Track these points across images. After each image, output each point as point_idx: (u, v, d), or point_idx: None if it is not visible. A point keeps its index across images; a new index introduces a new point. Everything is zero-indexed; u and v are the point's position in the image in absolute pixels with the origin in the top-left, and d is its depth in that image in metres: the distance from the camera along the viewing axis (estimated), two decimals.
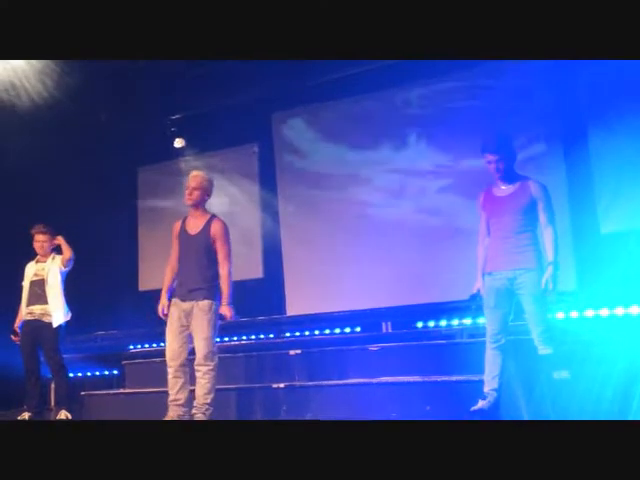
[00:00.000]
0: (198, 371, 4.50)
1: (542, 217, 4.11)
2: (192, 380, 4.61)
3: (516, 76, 6.48)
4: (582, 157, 6.36)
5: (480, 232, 4.36)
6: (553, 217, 4.12)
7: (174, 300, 4.63)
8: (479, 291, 4.26)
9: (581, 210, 6.32)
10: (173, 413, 4.51)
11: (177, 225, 4.78)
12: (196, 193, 4.64)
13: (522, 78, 6.50)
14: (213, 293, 4.55)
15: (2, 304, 7.00)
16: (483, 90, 6.85)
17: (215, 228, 4.62)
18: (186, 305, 4.55)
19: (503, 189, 4.22)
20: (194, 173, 4.76)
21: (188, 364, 4.57)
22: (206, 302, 4.51)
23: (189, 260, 4.64)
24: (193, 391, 4.56)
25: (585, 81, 6.39)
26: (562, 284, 6.03)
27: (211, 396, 4.49)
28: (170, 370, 4.56)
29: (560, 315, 5.60)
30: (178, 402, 4.52)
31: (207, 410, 4.48)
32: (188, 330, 4.56)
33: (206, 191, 4.69)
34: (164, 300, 4.66)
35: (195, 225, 4.67)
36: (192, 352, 4.63)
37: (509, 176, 4.20)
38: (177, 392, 4.53)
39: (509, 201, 4.16)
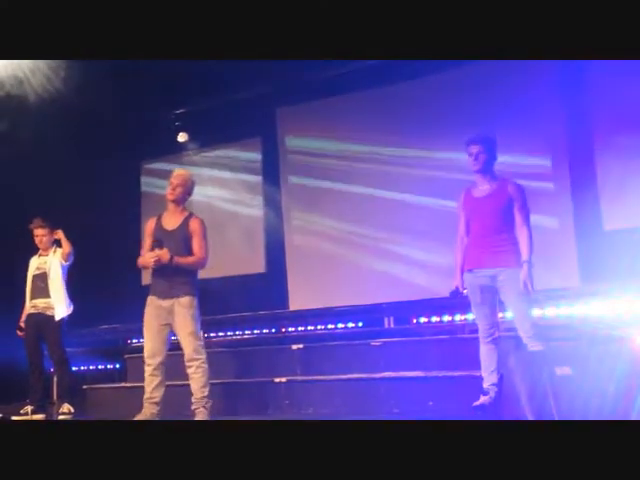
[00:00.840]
0: (190, 367, 4.49)
1: (517, 217, 4.15)
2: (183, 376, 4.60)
3: (520, 74, 6.47)
4: (586, 154, 6.36)
5: (459, 232, 4.40)
6: (528, 217, 4.16)
7: (151, 298, 4.58)
8: (457, 288, 4.30)
9: (584, 207, 6.33)
10: (147, 411, 4.47)
11: (152, 222, 4.75)
12: (179, 190, 4.63)
13: (526, 76, 6.49)
14: (193, 288, 4.54)
15: (6, 298, 7.03)
16: (485, 87, 6.84)
17: (194, 224, 4.61)
18: (166, 303, 4.50)
19: (481, 189, 4.26)
20: (178, 171, 4.79)
21: (166, 362, 4.55)
22: (187, 298, 4.48)
23: None
24: (188, 387, 4.54)
25: (590, 78, 6.38)
26: (565, 280, 6.13)
27: (207, 389, 4.48)
28: (148, 368, 4.52)
29: (563, 311, 5.60)
30: (153, 400, 4.50)
31: (207, 403, 4.47)
32: (168, 328, 4.53)
33: (188, 189, 4.69)
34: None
35: (173, 221, 4.64)
36: (177, 348, 4.62)
37: (487, 172, 4.24)
38: (152, 390, 4.50)
39: (487, 201, 4.20)
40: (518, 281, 4.01)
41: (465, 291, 4.28)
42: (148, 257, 4.50)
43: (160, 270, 4.52)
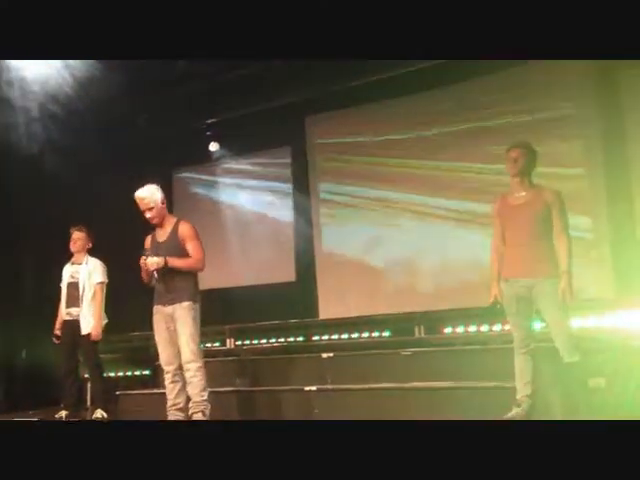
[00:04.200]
0: (188, 370, 4.49)
1: (556, 225, 4.06)
2: None
3: (552, 72, 6.40)
4: (621, 160, 6.27)
5: (494, 240, 4.34)
6: (567, 225, 4.07)
7: (157, 307, 4.64)
8: (497, 298, 4.23)
9: (619, 215, 6.22)
10: (172, 418, 4.53)
11: (149, 238, 4.80)
12: (153, 212, 4.64)
13: (558, 74, 6.42)
14: (194, 294, 4.57)
15: (39, 306, 7.16)
16: (516, 87, 6.78)
17: (182, 230, 4.63)
18: (169, 309, 4.55)
19: (518, 197, 4.20)
20: (139, 196, 4.66)
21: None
22: (187, 303, 4.52)
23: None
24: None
25: (625, 79, 6.28)
26: (600, 290, 6.03)
27: (206, 393, 4.48)
28: (167, 376, 4.58)
29: (595, 321, 5.50)
30: (177, 406, 4.54)
31: (205, 408, 4.46)
32: (176, 333, 4.56)
33: (158, 204, 4.65)
34: None
35: (163, 232, 4.69)
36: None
37: (526, 178, 4.18)
38: (175, 396, 4.55)
39: (524, 209, 4.13)
40: (556, 291, 3.93)
41: (500, 301, 4.21)
42: (143, 268, 4.55)
43: (161, 278, 4.58)
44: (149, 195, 4.65)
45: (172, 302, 4.55)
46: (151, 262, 4.48)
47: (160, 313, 4.62)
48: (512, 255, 4.17)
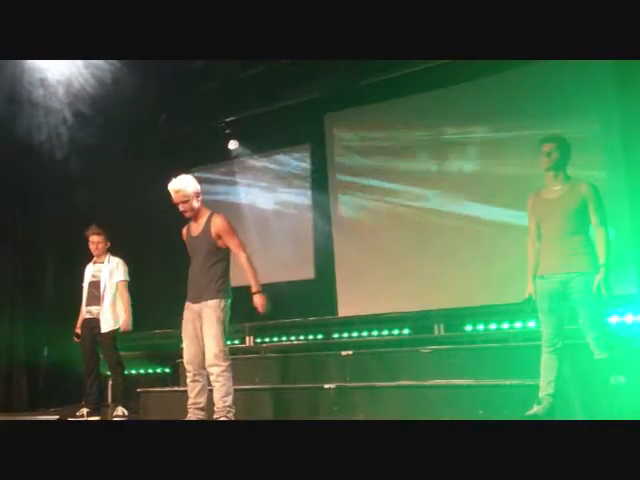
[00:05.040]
0: (211, 373, 4.37)
1: (593, 218, 4.01)
2: None
3: (574, 72, 6.33)
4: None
5: (530, 235, 4.28)
6: (605, 218, 4.01)
7: (187, 304, 4.55)
8: (531, 296, 4.18)
9: None
10: (193, 417, 4.43)
11: (184, 230, 4.72)
12: (186, 206, 4.50)
13: (580, 75, 6.36)
14: (221, 291, 4.43)
15: (60, 304, 7.23)
16: (538, 87, 6.72)
17: (216, 225, 4.48)
18: (197, 307, 4.46)
19: (553, 190, 4.14)
20: (173, 188, 4.48)
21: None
22: (214, 301, 4.39)
23: (196, 262, 4.56)
24: (211, 391, 4.43)
25: None
26: (623, 288, 5.95)
27: (229, 398, 4.34)
28: (189, 374, 4.48)
29: (617, 319, 5.45)
30: (198, 406, 4.43)
31: (229, 412, 4.34)
32: (202, 332, 4.44)
33: (192, 197, 4.50)
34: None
35: (197, 226, 4.57)
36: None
37: (559, 172, 4.12)
38: (196, 395, 4.44)
39: (559, 203, 4.07)
40: (591, 286, 3.88)
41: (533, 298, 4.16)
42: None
43: (191, 274, 4.55)
44: (183, 187, 4.47)
45: (199, 300, 4.45)
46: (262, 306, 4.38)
47: (189, 309, 4.53)
48: (548, 250, 4.12)
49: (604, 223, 4.00)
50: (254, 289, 4.41)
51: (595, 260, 3.96)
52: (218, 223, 4.49)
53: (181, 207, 4.51)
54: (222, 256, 4.52)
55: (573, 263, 3.97)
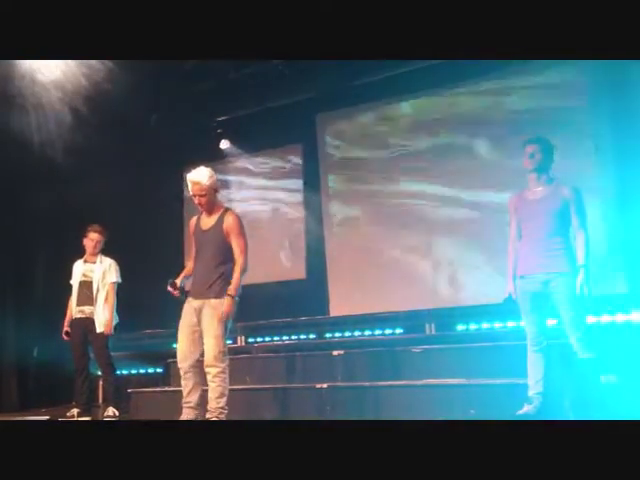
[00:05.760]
0: (208, 373, 4.27)
1: (574, 220, 4.06)
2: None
3: (567, 74, 6.37)
4: (632, 157, 6.22)
5: (510, 235, 4.32)
6: (585, 221, 4.06)
7: (188, 299, 4.43)
8: (511, 295, 4.21)
9: (631, 211, 6.18)
10: (186, 415, 4.34)
11: (193, 221, 4.60)
12: (203, 200, 4.41)
13: (574, 77, 6.40)
14: (225, 290, 4.31)
15: (52, 304, 7.20)
16: (531, 89, 6.76)
17: (228, 222, 4.39)
18: (198, 303, 4.34)
19: (535, 191, 4.18)
20: (192, 180, 4.39)
21: (199, 365, 4.35)
22: (217, 300, 4.28)
23: (203, 257, 4.45)
24: (206, 391, 4.36)
25: (636, 79, 6.24)
26: (612, 287, 5.99)
27: (223, 399, 4.27)
28: (181, 372, 4.38)
29: (608, 318, 5.48)
30: (190, 404, 4.34)
31: (221, 414, 4.26)
32: (199, 329, 4.34)
33: (209, 190, 4.41)
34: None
35: (208, 220, 4.47)
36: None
37: (542, 174, 4.16)
38: (188, 394, 4.34)
39: (541, 204, 4.11)
40: (572, 286, 3.93)
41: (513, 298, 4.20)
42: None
43: (197, 269, 4.46)
44: (203, 180, 4.37)
45: (202, 296, 4.34)
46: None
47: (188, 304, 4.41)
48: (528, 250, 4.15)
49: (584, 226, 4.05)
50: (229, 291, 4.29)
51: (574, 261, 4.01)
52: (230, 220, 4.40)
53: (197, 200, 4.43)
54: (231, 255, 4.41)
55: (553, 263, 4.01)
